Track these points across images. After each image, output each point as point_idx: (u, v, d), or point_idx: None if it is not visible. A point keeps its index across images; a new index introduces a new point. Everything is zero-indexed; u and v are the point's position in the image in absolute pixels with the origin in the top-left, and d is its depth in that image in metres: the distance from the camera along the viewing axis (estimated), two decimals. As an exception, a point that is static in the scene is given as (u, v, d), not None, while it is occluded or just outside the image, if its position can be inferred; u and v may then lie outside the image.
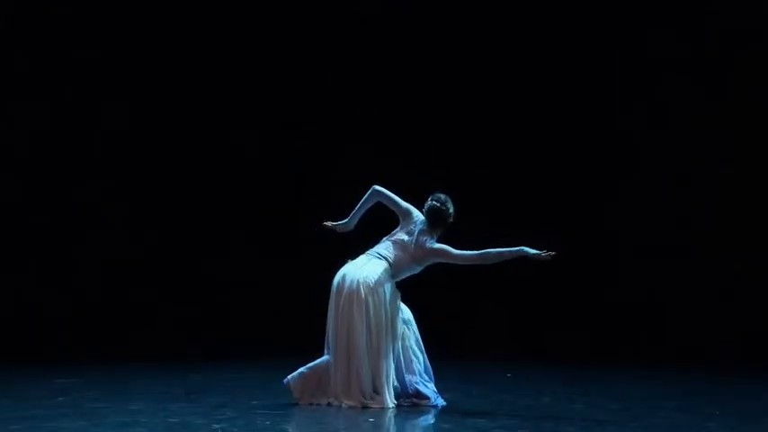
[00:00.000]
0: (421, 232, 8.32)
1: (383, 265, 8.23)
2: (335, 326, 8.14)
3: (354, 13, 13.74)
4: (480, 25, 13.87)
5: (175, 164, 13.45)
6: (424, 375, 8.39)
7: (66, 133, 13.06)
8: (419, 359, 8.39)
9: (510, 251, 8.13)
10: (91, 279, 13.06)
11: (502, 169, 13.69)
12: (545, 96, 13.86)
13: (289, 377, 8.26)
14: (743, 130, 13.10)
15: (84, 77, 13.09)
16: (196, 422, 7.35)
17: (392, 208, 8.49)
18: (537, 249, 8.03)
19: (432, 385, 8.39)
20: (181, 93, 13.41)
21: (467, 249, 8.21)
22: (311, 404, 8.15)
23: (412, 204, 8.45)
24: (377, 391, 8.09)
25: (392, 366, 8.17)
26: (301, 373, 8.24)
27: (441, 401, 8.34)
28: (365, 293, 8.09)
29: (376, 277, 8.15)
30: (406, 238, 8.33)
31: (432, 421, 7.89)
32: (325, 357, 8.24)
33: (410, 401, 8.26)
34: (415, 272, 8.36)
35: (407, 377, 8.29)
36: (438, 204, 8.35)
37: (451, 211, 8.35)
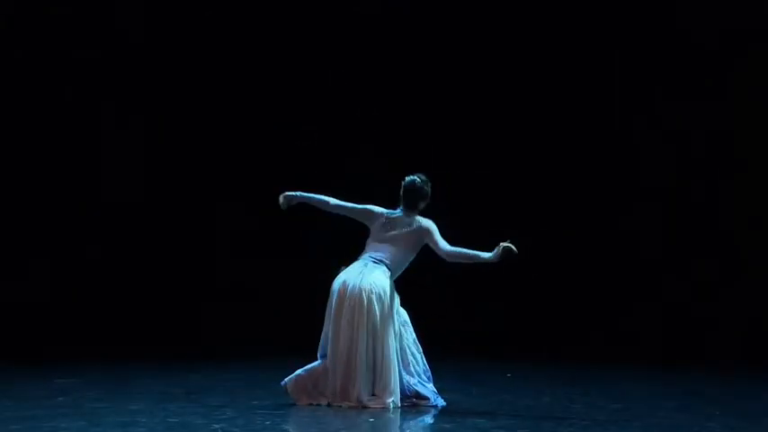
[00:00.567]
0: (402, 217, 8.32)
1: (381, 268, 8.24)
2: (336, 332, 8.13)
3: (354, 13, 13.74)
4: (480, 25, 13.86)
5: (175, 163, 13.45)
6: (423, 376, 8.38)
7: (66, 133, 13.06)
8: (417, 360, 8.38)
9: (483, 257, 8.12)
10: (91, 279, 13.06)
11: (501, 169, 13.68)
12: (545, 96, 13.85)
13: (286, 379, 8.26)
14: (742, 130, 13.11)
15: (84, 77, 13.09)
16: (196, 422, 7.35)
17: (352, 216, 8.49)
18: (494, 252, 8.03)
19: (431, 385, 8.39)
20: (181, 93, 13.41)
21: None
22: (310, 404, 8.15)
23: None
24: (377, 394, 8.09)
25: (398, 369, 8.17)
26: (298, 375, 8.24)
27: (441, 401, 8.34)
28: (369, 300, 8.08)
29: (379, 283, 8.15)
30: (394, 231, 8.33)
31: (432, 421, 7.89)
32: (319, 362, 8.24)
33: (410, 402, 8.26)
34: (410, 260, 8.36)
35: (406, 378, 8.29)
36: (414, 178, 8.36)
37: (427, 189, 8.37)
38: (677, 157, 13.38)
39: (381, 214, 8.40)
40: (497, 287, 13.72)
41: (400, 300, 8.32)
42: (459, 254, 8.22)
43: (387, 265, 8.26)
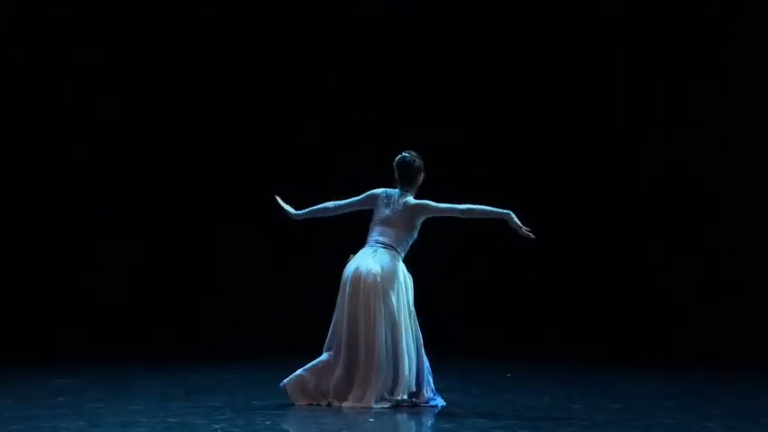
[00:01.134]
0: (399, 197, 8.36)
1: (390, 252, 8.24)
2: (350, 319, 8.10)
3: (354, 13, 13.74)
4: (480, 25, 13.86)
5: (175, 164, 13.45)
6: (426, 373, 8.34)
7: (67, 133, 13.07)
8: (423, 357, 8.35)
9: (496, 211, 8.24)
10: (91, 279, 13.07)
11: (501, 169, 13.67)
12: (544, 96, 13.84)
13: (285, 380, 8.25)
14: (742, 130, 13.11)
15: (84, 77, 13.09)
16: (196, 422, 7.35)
17: (358, 207, 8.54)
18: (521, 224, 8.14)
19: (431, 385, 8.37)
20: (181, 93, 13.41)
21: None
22: (310, 404, 8.14)
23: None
24: (394, 387, 8.08)
25: (414, 360, 8.16)
26: (298, 375, 8.22)
27: (441, 401, 8.33)
28: (384, 287, 8.08)
29: (390, 267, 8.17)
30: (388, 211, 8.35)
31: (432, 421, 7.89)
32: (323, 357, 8.22)
33: (410, 401, 8.25)
34: (414, 238, 8.38)
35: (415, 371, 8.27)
36: (406, 155, 8.43)
37: (419, 162, 8.42)
38: (677, 157, 13.37)
39: (381, 195, 8.44)
40: (497, 287, 13.76)
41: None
42: (476, 210, 8.27)
43: (395, 248, 8.27)
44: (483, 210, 8.31)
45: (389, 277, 8.14)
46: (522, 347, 13.06)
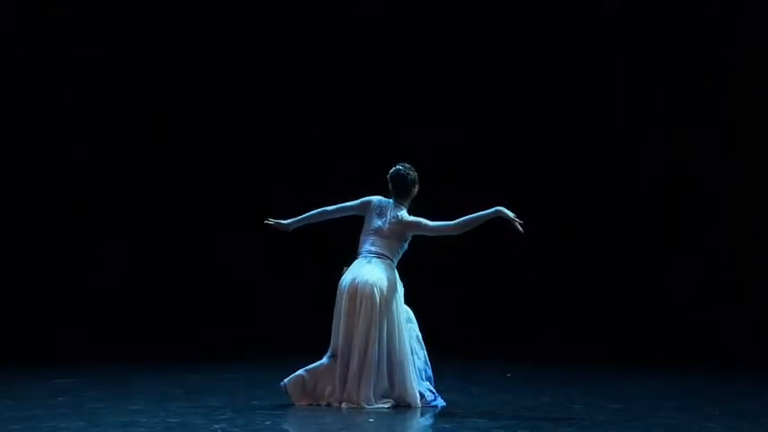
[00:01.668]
0: (392, 208, 8.34)
1: (385, 261, 8.25)
2: (348, 331, 8.12)
3: (354, 13, 13.74)
4: (480, 25, 13.86)
5: (175, 164, 13.45)
6: (423, 373, 8.35)
7: (66, 133, 13.07)
8: (419, 356, 8.36)
9: (486, 213, 8.21)
10: (91, 279, 13.07)
11: (501, 169, 13.67)
12: (544, 96, 13.84)
13: (285, 380, 8.25)
14: (742, 130, 13.12)
15: (84, 77, 13.09)
16: (196, 422, 7.35)
17: (352, 213, 8.52)
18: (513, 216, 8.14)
19: (431, 385, 8.38)
20: (181, 93, 13.41)
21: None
22: (310, 405, 8.14)
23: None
24: (394, 394, 8.10)
25: (412, 363, 8.17)
26: (299, 375, 8.23)
27: (441, 401, 8.33)
28: (382, 297, 8.09)
29: (387, 278, 8.17)
30: (380, 222, 8.34)
31: (432, 421, 7.89)
32: (324, 360, 8.23)
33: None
34: (405, 249, 8.38)
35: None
36: (400, 168, 8.39)
37: (413, 175, 8.38)
38: (677, 157, 13.37)
39: (375, 203, 8.42)
40: (496, 287, 13.76)
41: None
42: (465, 222, 8.24)
43: (387, 257, 8.27)
44: (474, 218, 8.26)
45: (386, 287, 8.14)
46: (523, 347, 13.06)
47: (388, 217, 8.33)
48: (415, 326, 8.38)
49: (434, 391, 8.36)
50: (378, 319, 8.07)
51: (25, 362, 11.21)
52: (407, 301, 8.37)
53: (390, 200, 8.40)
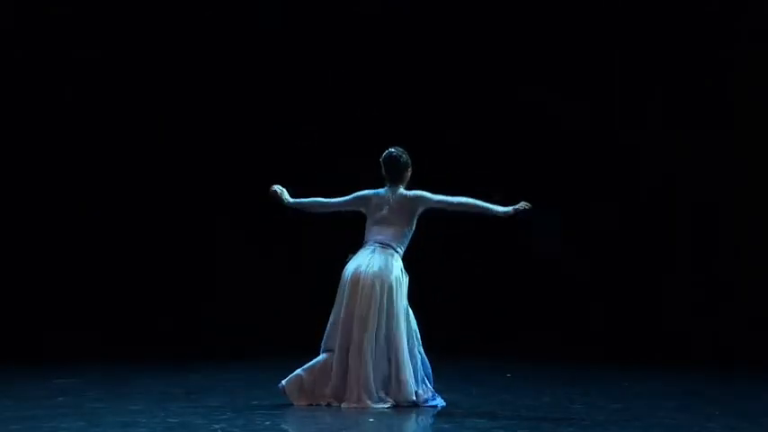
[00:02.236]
0: (391, 194, 8.35)
1: (389, 251, 8.24)
2: (347, 319, 8.09)
3: (354, 13, 13.74)
4: (480, 25, 13.86)
5: (175, 164, 13.45)
6: (420, 372, 8.32)
7: (66, 132, 13.07)
8: (417, 352, 8.33)
9: (499, 211, 8.26)
10: (90, 279, 13.07)
11: (501, 169, 13.67)
12: (544, 95, 13.84)
13: (283, 381, 8.25)
14: (742, 130, 13.12)
15: (84, 77, 13.09)
16: (196, 422, 7.36)
17: (347, 208, 8.53)
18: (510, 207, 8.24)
19: (430, 385, 8.36)
20: (181, 93, 13.41)
21: None
22: (309, 405, 8.13)
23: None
24: (392, 390, 8.08)
25: (410, 362, 8.15)
26: (296, 375, 8.22)
27: (441, 402, 8.33)
28: (383, 288, 8.08)
29: (391, 269, 8.17)
30: (384, 211, 8.35)
31: (432, 421, 7.89)
32: (321, 357, 8.22)
33: (410, 401, 8.24)
34: (412, 232, 8.37)
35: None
36: (392, 150, 8.43)
37: (406, 157, 8.42)
38: (677, 158, 13.36)
39: (371, 196, 8.43)
40: (496, 287, 13.76)
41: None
42: (469, 204, 8.29)
43: (393, 248, 8.27)
44: (479, 205, 8.30)
45: (388, 278, 8.14)
46: (523, 347, 13.06)
47: (390, 202, 8.33)
48: (414, 321, 8.36)
49: (433, 390, 8.35)
50: (378, 310, 8.05)
51: (25, 362, 11.22)
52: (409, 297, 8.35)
53: (384, 189, 8.40)
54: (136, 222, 13.30)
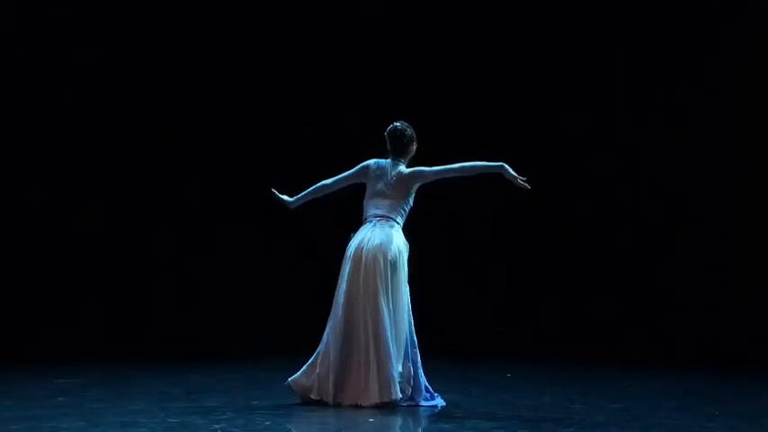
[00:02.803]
0: (391, 167, 8.36)
1: (389, 223, 8.24)
2: (350, 297, 8.06)
3: (354, 13, 13.74)
4: (480, 25, 13.86)
5: (175, 164, 13.45)
6: (409, 355, 8.26)
7: (66, 132, 13.08)
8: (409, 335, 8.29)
9: (490, 165, 8.35)
10: (91, 279, 13.08)
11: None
12: (544, 95, 13.85)
13: (290, 378, 8.25)
14: (742, 130, 13.12)
15: (84, 77, 13.10)
16: (196, 422, 7.35)
17: (352, 181, 8.55)
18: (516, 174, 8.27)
19: (424, 379, 8.28)
20: (181, 93, 13.41)
21: None
22: (317, 401, 8.11)
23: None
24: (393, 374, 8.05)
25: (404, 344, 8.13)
26: (303, 371, 8.22)
27: (440, 401, 8.33)
28: (386, 258, 8.07)
29: (393, 238, 8.16)
30: (381, 185, 8.35)
31: (432, 421, 7.89)
32: (321, 348, 8.17)
33: (410, 402, 8.23)
34: (410, 205, 8.38)
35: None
36: (397, 124, 8.44)
37: (410, 131, 8.43)
38: (677, 157, 13.36)
39: (373, 165, 8.44)
40: (496, 287, 13.76)
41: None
42: (467, 168, 8.36)
43: (392, 219, 8.27)
44: (475, 166, 8.36)
45: (393, 249, 8.12)
46: (522, 347, 13.06)
47: (389, 176, 8.34)
48: (408, 293, 8.29)
49: (433, 390, 8.34)
50: (381, 288, 8.02)
51: (25, 362, 11.22)
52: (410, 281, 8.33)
53: (388, 160, 8.40)
54: (136, 222, 13.30)
